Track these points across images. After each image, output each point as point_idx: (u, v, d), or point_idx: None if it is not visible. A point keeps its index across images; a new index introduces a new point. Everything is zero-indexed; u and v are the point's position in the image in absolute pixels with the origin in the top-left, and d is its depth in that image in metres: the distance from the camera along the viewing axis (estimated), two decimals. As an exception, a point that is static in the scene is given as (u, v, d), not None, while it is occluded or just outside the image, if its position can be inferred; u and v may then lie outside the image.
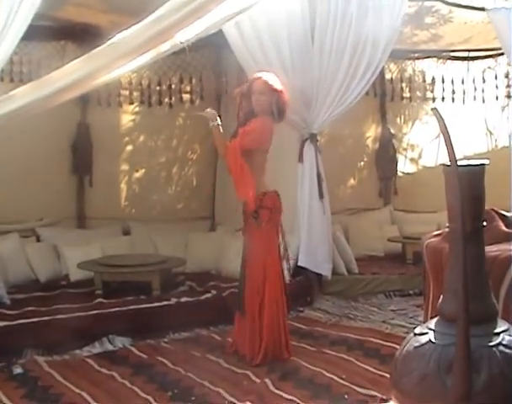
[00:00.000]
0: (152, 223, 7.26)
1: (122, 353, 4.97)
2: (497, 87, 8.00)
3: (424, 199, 7.87)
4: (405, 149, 8.37)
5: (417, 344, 1.98)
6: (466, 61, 8.10)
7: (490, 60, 7.99)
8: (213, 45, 6.62)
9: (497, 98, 8.01)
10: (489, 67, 8.02)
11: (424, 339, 1.97)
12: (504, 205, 4.07)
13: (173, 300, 5.65)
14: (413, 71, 8.24)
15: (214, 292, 5.90)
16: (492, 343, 1.90)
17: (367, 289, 6.59)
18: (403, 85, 8.24)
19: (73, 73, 3.41)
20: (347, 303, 6.30)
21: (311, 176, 6.15)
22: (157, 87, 7.28)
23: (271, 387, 4.19)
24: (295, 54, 5.89)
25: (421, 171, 8.28)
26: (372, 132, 8.33)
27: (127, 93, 7.16)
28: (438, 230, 4.51)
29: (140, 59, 3.52)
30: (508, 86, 7.99)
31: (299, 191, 6.21)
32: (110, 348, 5.07)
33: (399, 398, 1.96)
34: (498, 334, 1.93)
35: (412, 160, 8.37)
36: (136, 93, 7.22)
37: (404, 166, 8.37)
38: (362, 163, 8.31)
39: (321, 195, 6.15)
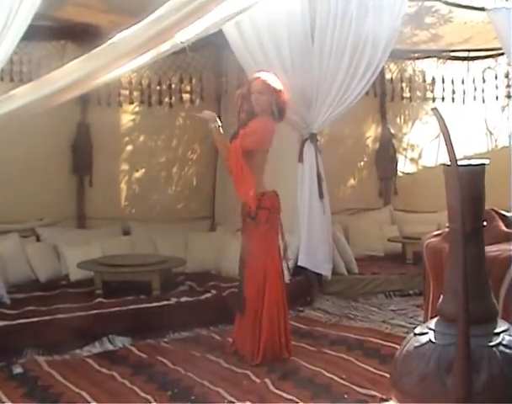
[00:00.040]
0: (152, 223, 7.26)
1: (122, 353, 4.97)
2: (497, 87, 8.00)
3: (423, 199, 7.87)
4: (405, 149, 8.37)
5: (417, 344, 1.98)
6: (466, 61, 8.10)
7: (490, 60, 7.99)
8: (213, 45, 6.62)
9: (497, 98, 8.01)
10: (489, 67, 8.02)
11: (424, 339, 1.97)
12: (503, 205, 4.07)
13: (173, 300, 5.65)
14: (413, 71, 8.24)
15: (214, 292, 5.90)
16: (492, 343, 1.90)
17: (367, 289, 6.59)
18: (403, 85, 8.24)
19: (73, 73, 3.41)
20: (347, 303, 6.30)
21: (311, 176, 6.15)
22: (157, 87, 7.28)
23: (271, 387, 4.19)
24: (295, 54, 5.89)
25: (421, 171, 8.28)
26: (372, 132, 8.33)
27: (127, 92, 7.16)
28: (438, 230, 4.51)
29: (140, 59, 3.52)
30: (508, 86, 7.99)
31: (299, 191, 6.21)
32: (110, 347, 5.07)
33: (399, 398, 1.96)
34: (498, 334, 1.93)
35: (412, 160, 8.37)
36: (136, 93, 7.22)
37: (404, 166, 8.37)
38: (362, 163, 8.31)
39: (321, 195, 6.15)
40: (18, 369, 4.57)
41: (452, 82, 8.10)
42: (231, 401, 3.98)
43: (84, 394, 4.12)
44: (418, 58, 8.17)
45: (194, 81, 7.44)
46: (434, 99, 8.14)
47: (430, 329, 2.01)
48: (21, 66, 6.29)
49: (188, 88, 7.45)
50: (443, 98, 8.08)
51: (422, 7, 6.41)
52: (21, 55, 6.21)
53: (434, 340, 1.94)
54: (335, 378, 4.29)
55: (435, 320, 2.03)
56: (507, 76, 7.97)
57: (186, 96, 7.45)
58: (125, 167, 7.38)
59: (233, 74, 7.07)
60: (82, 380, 4.37)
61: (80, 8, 5.86)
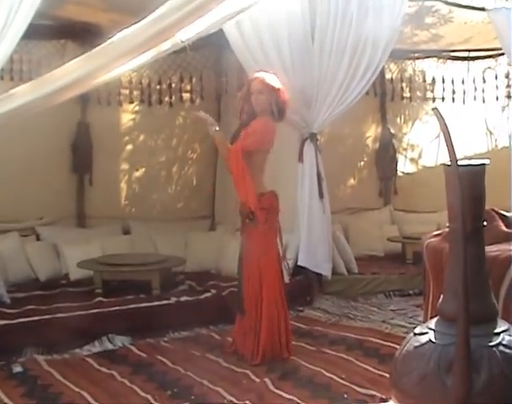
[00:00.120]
0: (151, 222, 7.26)
1: (122, 352, 4.97)
2: (497, 87, 8.00)
3: (423, 198, 7.87)
4: (405, 149, 8.37)
5: (417, 344, 1.98)
6: (466, 61, 8.10)
7: (490, 60, 7.99)
8: (213, 44, 6.62)
9: (497, 98, 8.01)
10: (489, 67, 8.02)
11: (424, 339, 1.97)
12: (503, 205, 4.07)
13: (173, 300, 5.66)
14: (414, 71, 8.24)
15: (213, 291, 5.90)
16: (492, 343, 1.90)
17: (367, 288, 6.59)
18: (403, 85, 8.24)
19: (73, 72, 3.41)
20: (347, 303, 6.30)
21: (311, 175, 6.15)
22: (158, 87, 7.27)
23: (271, 386, 4.19)
24: (295, 54, 5.89)
25: (421, 171, 8.28)
26: (372, 132, 8.33)
27: (127, 92, 7.16)
28: (438, 230, 4.51)
29: (140, 58, 3.52)
30: (508, 86, 7.99)
31: (299, 191, 6.21)
32: (110, 346, 5.07)
33: (399, 398, 1.96)
34: (498, 334, 1.93)
35: (412, 160, 8.37)
36: (136, 92, 7.22)
37: (404, 166, 8.37)
38: (362, 163, 8.31)
39: (321, 195, 6.15)
40: (17, 368, 4.57)
41: (452, 82, 8.10)
42: (230, 401, 3.98)
43: (84, 393, 4.12)
44: (418, 58, 8.17)
45: (194, 80, 7.43)
46: (434, 99, 8.14)
47: (430, 329, 2.01)
48: (21, 65, 6.29)
49: (188, 88, 7.44)
50: (443, 98, 8.08)
51: (422, 7, 6.41)
52: (21, 54, 6.21)
53: (434, 340, 1.94)
54: (335, 378, 4.29)
55: (435, 320, 2.03)
56: (507, 76, 7.96)
57: (186, 95, 7.45)
58: (125, 166, 7.38)
59: (233, 74, 7.07)
60: (81, 380, 4.37)
61: (80, 7, 5.86)
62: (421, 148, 8.28)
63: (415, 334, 2.01)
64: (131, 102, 7.23)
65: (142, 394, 4.12)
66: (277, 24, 5.77)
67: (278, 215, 4.78)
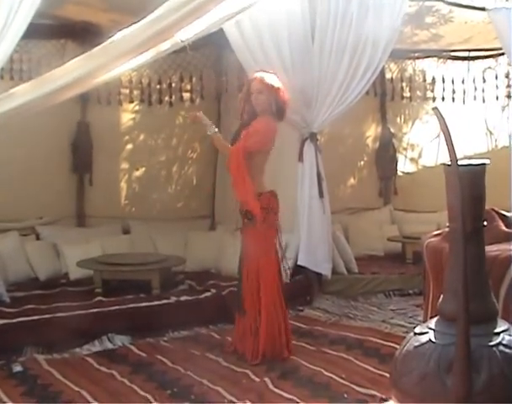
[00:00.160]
0: (151, 222, 7.26)
1: (121, 352, 4.97)
2: (497, 87, 8.00)
3: (423, 198, 7.87)
4: (405, 149, 8.37)
5: (417, 344, 1.98)
6: (466, 61, 8.10)
7: (490, 60, 7.99)
8: (213, 44, 6.62)
9: (497, 98, 8.01)
10: (489, 67, 8.02)
11: (424, 339, 1.97)
12: (504, 205, 4.07)
13: (173, 299, 5.66)
14: (414, 70, 8.24)
15: (213, 291, 5.90)
16: (492, 343, 1.90)
17: (367, 288, 6.59)
18: (403, 85, 8.24)
19: (73, 72, 3.41)
20: (347, 302, 6.30)
21: (311, 175, 6.15)
22: (158, 86, 7.27)
23: (270, 386, 4.19)
24: (295, 53, 5.89)
25: (421, 170, 8.28)
26: (372, 132, 8.33)
27: (127, 91, 7.16)
28: (438, 229, 4.51)
29: (140, 57, 3.52)
30: (508, 86, 7.99)
31: (299, 190, 6.21)
32: (110, 346, 5.07)
33: (399, 398, 1.96)
34: (498, 334, 1.93)
35: (412, 160, 8.37)
36: (136, 92, 7.22)
37: (404, 165, 8.37)
38: (362, 163, 8.30)
39: (321, 195, 6.15)
40: (17, 368, 4.58)
41: (452, 81, 8.10)
42: (230, 400, 3.98)
43: (84, 392, 4.12)
44: (418, 58, 8.17)
45: (194, 80, 7.43)
46: (434, 99, 8.14)
47: (430, 329, 2.01)
48: (21, 65, 6.29)
49: (188, 87, 7.44)
50: (443, 98, 8.08)
51: (422, 7, 6.41)
52: (21, 54, 6.21)
53: (434, 340, 1.94)
54: (335, 377, 4.29)
55: (435, 319, 2.03)
56: (507, 76, 7.96)
57: (186, 95, 7.45)
58: (125, 165, 7.38)
59: (233, 73, 7.07)
60: (81, 379, 4.37)
61: (80, 7, 5.86)
62: (421, 148, 8.28)
63: (415, 334, 2.01)
64: (131, 101, 7.23)
65: (142, 393, 4.12)
66: (277, 24, 5.77)
67: (277, 214, 4.77)
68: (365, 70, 6.12)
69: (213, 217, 7.71)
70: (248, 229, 4.74)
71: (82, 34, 6.29)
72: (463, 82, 8.09)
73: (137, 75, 7.10)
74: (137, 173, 7.43)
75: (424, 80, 8.21)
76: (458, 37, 7.32)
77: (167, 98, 7.33)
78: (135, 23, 3.35)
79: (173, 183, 7.63)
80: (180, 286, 6.15)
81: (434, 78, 8.17)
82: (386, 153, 8.19)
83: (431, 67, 8.22)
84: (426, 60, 8.20)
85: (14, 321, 4.98)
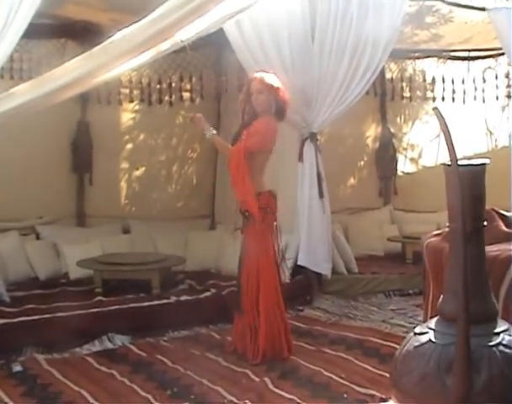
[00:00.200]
0: (151, 221, 7.26)
1: (121, 352, 4.97)
2: (497, 87, 8.00)
3: (423, 198, 7.88)
4: (405, 149, 8.37)
5: (417, 344, 1.98)
6: (466, 61, 8.10)
7: (490, 60, 7.99)
8: (213, 43, 6.62)
9: (497, 97, 8.01)
10: (489, 67, 8.02)
11: (424, 339, 1.97)
12: (503, 205, 4.07)
13: (173, 299, 5.66)
14: (414, 70, 8.24)
15: (213, 291, 5.90)
16: (492, 343, 1.90)
17: (367, 288, 6.59)
18: (404, 84, 8.24)
19: (73, 71, 3.41)
20: (346, 302, 6.30)
21: (311, 175, 6.15)
22: (158, 86, 7.28)
23: (270, 386, 4.19)
24: (295, 53, 5.89)
25: (421, 170, 8.28)
26: (372, 132, 8.33)
27: (127, 91, 7.16)
28: (437, 229, 4.51)
29: (140, 57, 3.52)
30: (508, 86, 7.99)
31: (299, 190, 6.21)
32: (110, 346, 5.07)
33: (399, 397, 1.96)
34: (498, 334, 1.93)
35: (412, 160, 8.37)
36: (136, 92, 7.22)
37: (404, 165, 8.37)
38: (362, 163, 8.31)
39: (321, 195, 6.15)
40: (17, 368, 4.57)
41: (452, 81, 8.10)
42: (230, 400, 3.98)
43: (84, 392, 4.12)
44: (418, 58, 8.17)
45: (194, 79, 7.43)
46: (434, 99, 8.14)
47: (430, 329, 2.01)
48: (21, 64, 6.28)
49: (188, 87, 7.45)
50: (443, 98, 8.08)
51: (422, 7, 6.41)
52: (21, 53, 6.21)
53: (434, 340, 1.94)
54: (334, 377, 4.29)
55: (435, 319, 2.03)
56: (507, 76, 7.97)
57: (186, 95, 7.45)
58: (125, 165, 7.39)
59: (233, 73, 7.07)
60: (81, 379, 4.37)
61: (80, 7, 5.86)
62: (421, 148, 8.28)
63: (415, 334, 2.01)
64: (131, 101, 7.23)
65: (142, 393, 4.12)
66: (277, 24, 5.77)
67: (275, 214, 4.77)
68: (365, 70, 6.12)
69: (213, 217, 7.71)
70: (248, 229, 4.74)
71: (82, 34, 6.29)
72: (463, 82, 8.09)
73: (137, 75, 7.10)
74: (137, 173, 7.43)
75: (424, 80, 8.21)
76: (458, 37, 7.32)
77: (167, 98, 7.33)
78: (135, 22, 3.34)
79: (173, 183, 7.63)
80: (180, 286, 6.15)
81: (434, 78, 8.17)
82: (386, 153, 8.19)
83: (431, 67, 8.22)
84: (426, 60, 8.20)
85: (14, 320, 4.98)
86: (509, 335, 1.94)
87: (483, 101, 8.04)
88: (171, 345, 5.13)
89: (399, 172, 8.32)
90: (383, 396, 3.82)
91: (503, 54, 7.23)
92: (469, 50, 7.96)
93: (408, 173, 8.36)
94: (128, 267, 5.99)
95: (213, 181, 7.71)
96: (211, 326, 5.55)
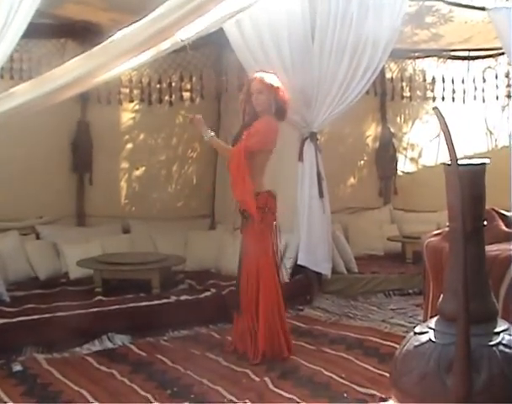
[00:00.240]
0: (151, 221, 7.26)
1: (121, 351, 4.97)
2: (497, 86, 8.00)
3: (423, 198, 7.87)
4: (405, 148, 8.37)
5: (417, 343, 1.98)
6: (466, 61, 8.10)
7: (490, 59, 7.98)
8: (214, 43, 6.62)
9: (497, 97, 8.01)
10: (489, 67, 8.02)
11: (424, 338, 1.97)
12: (503, 205, 4.07)
13: (173, 298, 5.66)
14: (414, 70, 8.24)
15: (213, 290, 5.90)
16: (492, 343, 1.90)
17: (367, 288, 6.59)
18: (404, 84, 8.23)
19: (73, 71, 3.41)
20: (346, 302, 6.30)
21: (311, 175, 6.15)
22: (158, 85, 7.27)
23: (270, 385, 4.19)
24: (295, 53, 5.89)
25: (421, 170, 8.28)
26: (372, 131, 8.33)
27: (127, 90, 7.16)
28: (437, 229, 4.51)
29: (140, 57, 3.52)
30: (508, 85, 7.99)
31: (299, 190, 6.21)
32: (110, 345, 5.07)
33: (399, 397, 1.96)
34: (498, 334, 1.93)
35: (412, 159, 8.37)
36: (136, 91, 7.21)
37: (404, 165, 8.36)
38: (362, 162, 8.30)
39: (321, 194, 6.15)
40: (17, 367, 4.57)
41: (452, 81, 8.10)
42: (230, 400, 3.98)
43: (83, 392, 4.12)
44: (418, 57, 8.17)
45: (194, 79, 7.43)
46: (434, 99, 8.14)
47: (430, 328, 2.01)
48: (21, 64, 6.28)
49: (188, 87, 7.44)
50: (443, 98, 8.08)
51: (422, 7, 6.41)
52: (21, 53, 6.21)
53: (434, 339, 1.94)
54: (334, 377, 4.29)
55: (435, 319, 2.03)
56: (507, 75, 7.96)
57: (186, 94, 7.45)
58: (125, 165, 7.38)
59: (233, 73, 7.07)
60: (81, 378, 4.37)
61: (80, 6, 5.86)
62: (421, 147, 8.28)
63: (415, 333, 2.01)
64: (131, 101, 7.23)
65: (142, 393, 4.12)
66: (277, 24, 5.77)
67: (275, 214, 4.77)
68: (365, 70, 6.12)
69: (213, 216, 7.70)
70: (247, 229, 4.74)
71: (83, 34, 6.28)
72: (463, 81, 8.08)
73: (137, 74, 7.09)
74: (137, 173, 7.43)
75: (424, 80, 8.21)
76: (458, 37, 7.32)
77: (167, 98, 7.33)
78: (135, 22, 3.34)
79: (173, 183, 7.63)
80: (180, 285, 6.15)
81: (434, 78, 8.17)
82: (386, 153, 8.19)
83: (431, 67, 8.22)
84: (426, 59, 8.20)
85: (14, 320, 4.98)
86: (509, 334, 1.94)
87: (483, 101, 8.04)
88: (171, 345, 5.13)
89: (399, 172, 8.32)
90: (383, 396, 3.82)
91: (503, 53, 7.23)
92: (469, 50, 7.96)
93: (408, 173, 8.36)
94: (128, 266, 5.99)
95: (213, 181, 7.71)
96: (211, 325, 5.55)
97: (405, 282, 6.64)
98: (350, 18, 5.94)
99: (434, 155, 7.88)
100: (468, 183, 1.99)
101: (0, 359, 4.66)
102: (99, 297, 5.62)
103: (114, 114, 7.26)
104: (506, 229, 3.99)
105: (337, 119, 6.43)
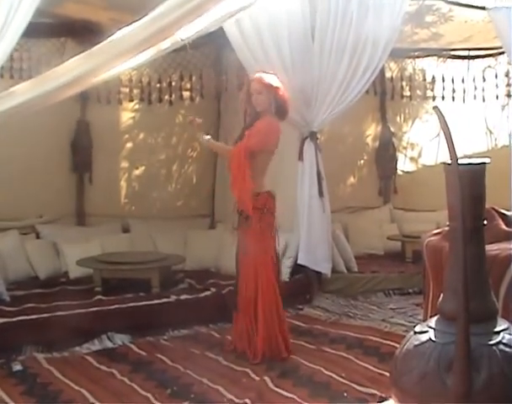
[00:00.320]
0: (151, 220, 7.26)
1: (121, 351, 4.97)
2: (497, 86, 8.00)
3: (423, 197, 7.88)
4: (405, 148, 8.37)
5: (417, 342, 1.97)
6: (466, 60, 8.10)
7: (490, 59, 7.99)
8: (214, 42, 6.62)
9: (497, 97, 8.01)
10: (489, 66, 8.02)
11: (424, 337, 1.97)
12: (503, 204, 4.07)
13: (173, 298, 5.66)
14: (414, 69, 8.24)
15: (213, 290, 5.90)
16: (492, 342, 1.89)
17: (367, 287, 6.60)
18: (403, 84, 8.24)
19: (73, 70, 3.40)
20: (346, 301, 6.30)
21: (311, 174, 6.15)
22: (157, 85, 7.28)
23: (270, 385, 4.19)
24: (295, 53, 5.90)
25: (421, 170, 8.29)
26: (372, 131, 8.33)
27: (127, 90, 7.16)
28: (437, 228, 4.50)
29: (140, 56, 3.52)
30: (508, 85, 7.99)
31: (299, 189, 6.21)
32: (110, 345, 5.07)
33: (399, 397, 1.95)
34: (498, 333, 1.93)
35: (411, 159, 8.37)
36: (136, 91, 7.22)
37: (404, 164, 8.37)
38: (362, 162, 8.31)
39: (321, 193, 6.16)
40: (17, 367, 4.58)
41: (452, 80, 8.10)
42: (230, 399, 3.98)
43: (83, 391, 4.13)
44: (418, 57, 8.17)
45: (194, 78, 7.44)
46: (434, 98, 8.14)
47: (430, 327, 2.00)
48: (21, 63, 6.29)
49: (188, 86, 7.45)
50: (443, 97, 8.08)
51: (422, 6, 6.41)
52: (21, 52, 6.22)
53: (434, 338, 1.94)
54: (334, 376, 4.30)
55: (435, 318, 2.03)
56: (507, 75, 7.97)
57: (186, 94, 7.45)
58: (124, 164, 7.39)
59: (233, 72, 7.07)
60: (81, 378, 4.37)
61: (80, 5, 5.86)
62: (421, 147, 8.28)
63: (415, 332, 2.01)
64: (131, 100, 7.24)
65: (142, 392, 4.12)
66: (277, 23, 5.78)
67: (274, 214, 4.76)
68: (364, 69, 6.12)
69: (213, 216, 7.71)
70: (246, 228, 4.74)
71: (82, 33, 6.28)
72: (463, 81, 8.09)
73: (137, 74, 7.10)
74: (137, 172, 7.43)
75: (424, 79, 8.22)
76: (458, 36, 7.32)
77: (167, 97, 7.33)
78: (135, 21, 3.34)
79: (172, 182, 7.63)
80: (180, 285, 6.15)
81: (434, 77, 8.17)
82: (386, 152, 8.19)
83: (431, 66, 8.22)
84: (426, 59, 8.20)
85: (14, 319, 4.98)
86: (509, 334, 1.93)
87: (483, 100, 8.05)
88: (171, 344, 5.13)
89: (399, 171, 8.32)
90: (383, 395, 3.82)
91: (503, 53, 7.23)
92: (469, 49, 7.96)
93: (407, 172, 8.36)
94: (128, 266, 5.99)
95: (213, 180, 7.71)
96: (211, 325, 5.55)
97: (405, 281, 6.64)
98: (350, 18, 5.95)
99: (434, 154, 7.89)
100: (468, 182, 1.98)
101: (0, 359, 4.66)
102: (99, 296, 5.62)
103: (114, 114, 7.26)
104: (506, 228, 3.99)
105: (337, 119, 6.43)
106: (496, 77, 7.99)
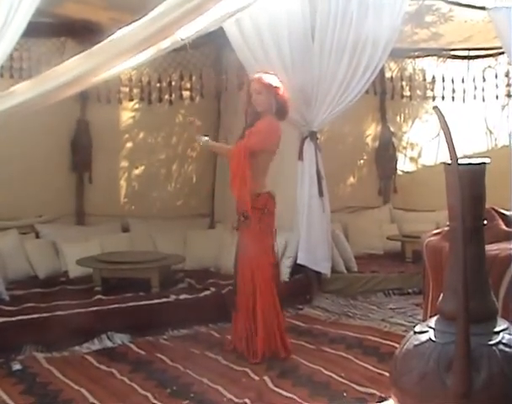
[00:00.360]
0: (151, 220, 7.26)
1: (121, 350, 4.97)
2: (497, 86, 8.00)
3: (423, 197, 7.88)
4: (405, 147, 8.37)
5: (417, 342, 1.97)
6: (466, 60, 8.10)
7: (490, 59, 7.99)
8: (213, 42, 6.62)
9: (497, 97, 8.01)
10: (489, 66, 8.02)
11: (423, 337, 1.97)
12: (503, 204, 4.07)
13: (172, 297, 5.66)
14: (414, 69, 8.24)
15: (213, 289, 5.90)
16: (492, 342, 1.89)
17: (366, 287, 6.59)
18: (403, 83, 8.24)
19: (73, 70, 3.40)
20: (346, 301, 6.30)
21: (310, 174, 6.15)
22: (157, 84, 7.28)
23: (270, 385, 4.19)
24: (295, 52, 5.90)
25: (420, 169, 8.29)
26: (372, 130, 8.33)
27: (127, 89, 7.16)
28: (437, 228, 4.51)
29: (140, 56, 3.52)
30: (508, 85, 7.99)
31: (299, 189, 6.21)
32: (109, 344, 5.07)
33: (399, 396, 1.96)
34: (498, 333, 1.93)
35: (411, 159, 8.37)
36: (135, 90, 7.22)
37: (404, 164, 8.37)
38: (362, 161, 8.31)
39: (320, 193, 6.16)
40: (17, 366, 4.58)
41: (452, 80, 8.10)
42: (230, 399, 3.98)
43: (83, 391, 4.13)
44: (418, 57, 8.17)
45: (194, 78, 7.44)
46: (434, 98, 8.14)
47: (430, 327, 2.00)
48: (21, 63, 6.29)
49: (188, 86, 7.45)
50: (443, 97, 8.08)
51: (422, 6, 6.41)
52: (21, 52, 6.22)
53: (433, 338, 1.94)
54: (334, 376, 4.30)
55: (435, 318, 2.03)
56: (507, 75, 7.97)
57: (186, 93, 7.45)
58: (124, 164, 7.39)
59: (233, 72, 7.07)
60: (81, 377, 4.37)
61: (80, 5, 5.86)
62: (421, 147, 8.28)
63: (415, 332, 2.01)
64: (131, 100, 7.24)
65: (142, 392, 4.12)
66: (277, 23, 5.77)
67: (273, 216, 4.76)
68: (364, 69, 6.12)
69: (212, 215, 7.71)
70: (244, 228, 4.74)
71: (82, 33, 6.28)
72: (463, 81, 8.09)
73: (137, 73, 7.10)
74: (137, 172, 7.43)
75: (424, 79, 8.22)
76: (458, 36, 7.32)
77: (166, 97, 7.33)
78: (134, 21, 3.34)
79: (172, 182, 7.63)
80: (180, 284, 6.15)
81: (434, 77, 8.17)
82: (386, 152, 8.19)
83: (431, 66, 8.22)
84: (426, 59, 8.20)
85: (14, 319, 4.99)
86: (509, 334, 1.94)
87: (483, 100, 8.05)
88: (170, 344, 5.13)
89: (399, 171, 8.32)
90: (383, 395, 3.82)
91: (503, 53, 7.23)
92: (469, 49, 7.96)
93: (407, 172, 8.36)
94: (127, 265, 5.99)
95: (213, 180, 7.71)
96: (211, 324, 5.55)
97: (405, 281, 6.64)
98: (350, 18, 5.95)
99: (434, 154, 7.88)
100: (468, 182, 1.98)
101: (-1, 358, 4.67)
102: (99, 296, 5.62)
103: (114, 113, 7.26)
104: (506, 228, 3.98)
105: (337, 119, 6.43)
106: (496, 77, 7.99)
